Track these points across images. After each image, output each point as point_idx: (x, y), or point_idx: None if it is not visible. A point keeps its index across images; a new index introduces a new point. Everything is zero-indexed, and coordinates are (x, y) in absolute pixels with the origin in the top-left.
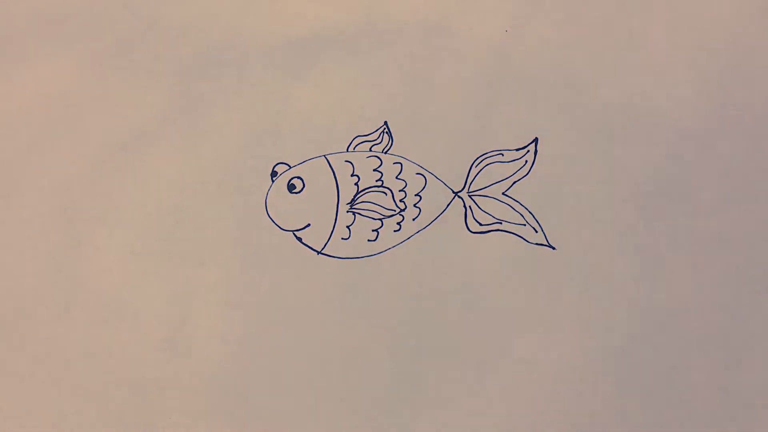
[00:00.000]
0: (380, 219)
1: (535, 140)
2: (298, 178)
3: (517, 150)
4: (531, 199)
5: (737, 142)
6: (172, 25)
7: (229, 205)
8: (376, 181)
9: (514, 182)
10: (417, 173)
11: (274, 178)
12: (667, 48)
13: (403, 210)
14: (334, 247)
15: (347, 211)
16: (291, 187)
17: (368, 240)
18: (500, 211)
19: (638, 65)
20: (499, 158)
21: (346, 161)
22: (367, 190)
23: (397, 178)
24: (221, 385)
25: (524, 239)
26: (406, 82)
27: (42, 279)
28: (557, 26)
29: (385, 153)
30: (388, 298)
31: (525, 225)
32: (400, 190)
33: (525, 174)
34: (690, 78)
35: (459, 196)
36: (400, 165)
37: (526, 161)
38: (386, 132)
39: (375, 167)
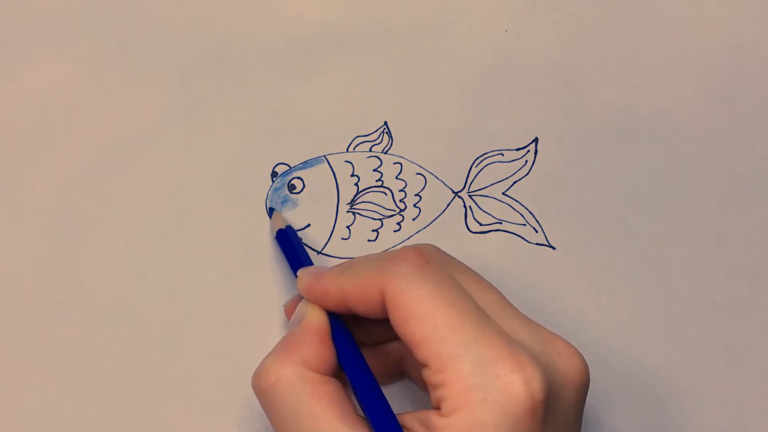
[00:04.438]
0: (380, 219)
1: (535, 140)
2: (299, 178)
3: (517, 150)
4: (531, 199)
5: (737, 142)
6: (172, 25)
7: (229, 205)
8: (376, 181)
9: (514, 182)
10: (417, 173)
11: (274, 179)
12: (667, 48)
13: (403, 210)
14: (334, 247)
15: (347, 212)
16: (291, 188)
17: (368, 240)
18: (500, 211)
19: (638, 65)
20: (499, 158)
21: (346, 161)
22: (367, 190)
23: (397, 178)
24: (221, 385)
25: (524, 239)
26: (406, 82)
27: (42, 279)
28: (557, 26)
29: (385, 153)
30: None
31: (525, 225)
32: (400, 190)
33: (525, 174)
34: (690, 78)
35: (459, 196)
36: (400, 165)
37: (526, 161)
38: (386, 132)
39: (375, 167)
